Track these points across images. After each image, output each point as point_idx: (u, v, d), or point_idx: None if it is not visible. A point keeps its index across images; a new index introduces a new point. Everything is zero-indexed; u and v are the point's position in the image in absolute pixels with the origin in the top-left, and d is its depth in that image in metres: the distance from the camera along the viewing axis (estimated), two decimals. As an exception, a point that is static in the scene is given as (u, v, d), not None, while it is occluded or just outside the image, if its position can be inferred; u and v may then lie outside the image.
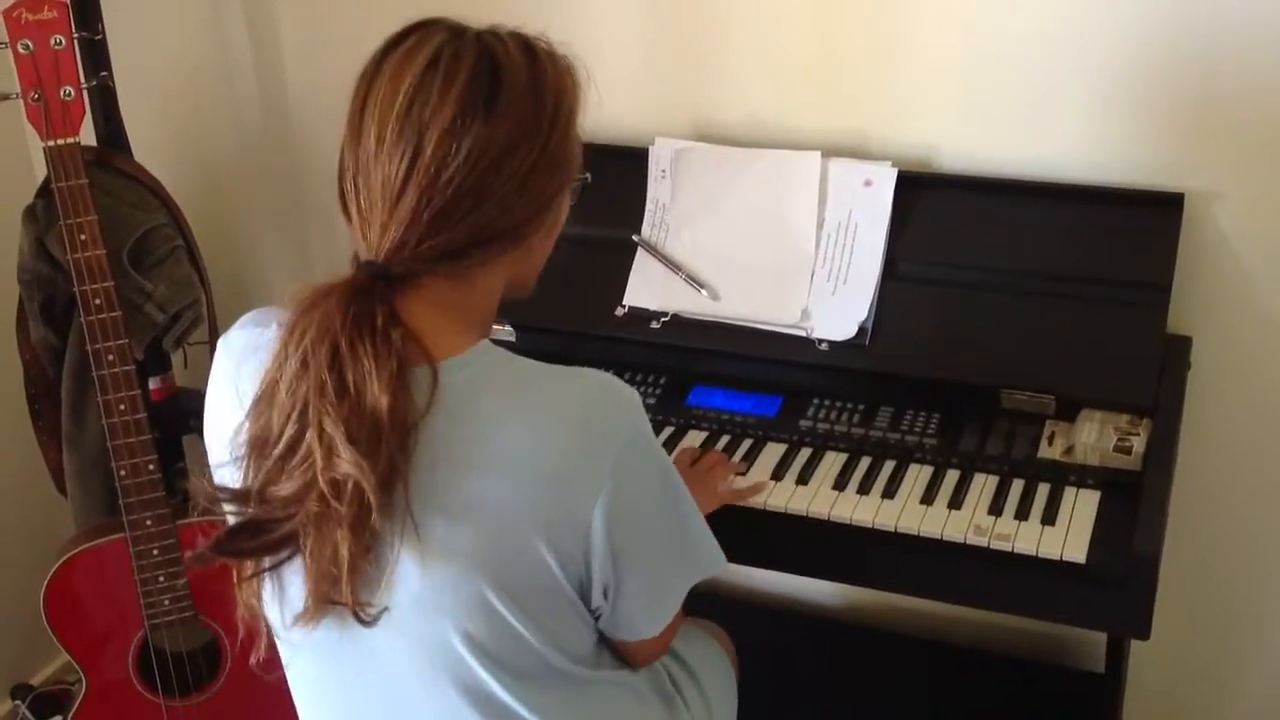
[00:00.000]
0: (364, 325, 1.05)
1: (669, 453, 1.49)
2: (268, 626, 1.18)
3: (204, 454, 1.23)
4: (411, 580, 1.09)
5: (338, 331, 1.04)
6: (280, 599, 1.15)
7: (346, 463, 1.02)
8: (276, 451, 1.05)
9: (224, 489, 1.09)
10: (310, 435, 1.04)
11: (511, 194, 1.10)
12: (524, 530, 1.09)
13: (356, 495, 1.03)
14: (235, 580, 1.13)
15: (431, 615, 1.11)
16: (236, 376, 1.13)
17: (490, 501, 1.08)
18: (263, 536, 1.07)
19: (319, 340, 1.04)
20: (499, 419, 1.09)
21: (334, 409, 1.03)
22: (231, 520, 1.11)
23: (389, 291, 1.08)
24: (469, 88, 1.08)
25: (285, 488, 1.05)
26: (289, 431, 1.04)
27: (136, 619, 1.91)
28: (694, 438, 1.69)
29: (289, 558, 1.09)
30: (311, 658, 1.21)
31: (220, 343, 1.21)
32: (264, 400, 1.06)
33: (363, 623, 1.09)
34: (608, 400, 1.13)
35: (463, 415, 1.08)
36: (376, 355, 1.04)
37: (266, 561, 1.10)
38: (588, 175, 1.22)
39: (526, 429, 1.09)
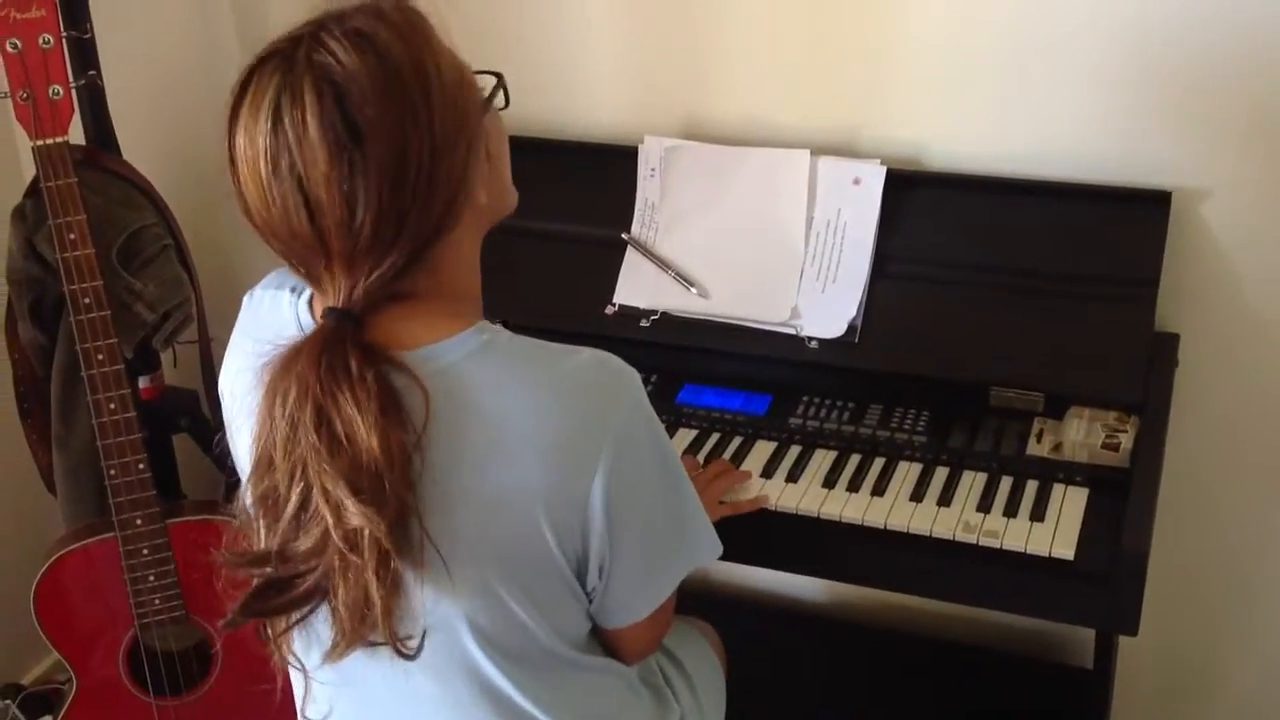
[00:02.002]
0: (338, 375, 1.03)
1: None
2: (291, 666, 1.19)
3: (217, 413, 1.27)
4: (430, 592, 1.10)
5: (315, 389, 1.02)
6: (312, 642, 1.15)
7: (355, 515, 1.01)
8: (289, 511, 1.05)
9: (243, 554, 1.08)
10: (315, 494, 1.03)
11: (427, 185, 1.05)
12: (525, 506, 1.09)
13: (373, 544, 1.03)
14: (270, 637, 1.13)
15: (442, 605, 1.12)
16: (247, 393, 1.11)
17: (492, 481, 1.08)
18: (289, 592, 1.07)
19: (301, 402, 1.03)
20: (498, 395, 1.09)
21: (330, 466, 1.02)
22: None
23: (360, 330, 1.06)
24: (325, 133, 1.01)
25: (304, 542, 1.05)
26: (296, 492, 1.04)
27: (127, 618, 1.91)
28: (684, 436, 1.69)
29: (317, 607, 1.09)
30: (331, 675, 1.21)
31: (246, 299, 1.24)
32: (263, 464, 1.06)
33: (405, 657, 1.09)
34: (607, 375, 1.13)
35: (460, 397, 1.07)
36: (358, 401, 1.02)
37: (296, 615, 1.10)
38: (501, 89, 1.17)
39: (526, 404, 1.09)
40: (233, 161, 1.07)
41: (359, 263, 1.05)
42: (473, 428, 1.08)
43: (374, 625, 1.07)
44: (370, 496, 1.02)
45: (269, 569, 1.07)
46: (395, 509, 1.03)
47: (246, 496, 1.08)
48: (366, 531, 1.02)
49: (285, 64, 1.05)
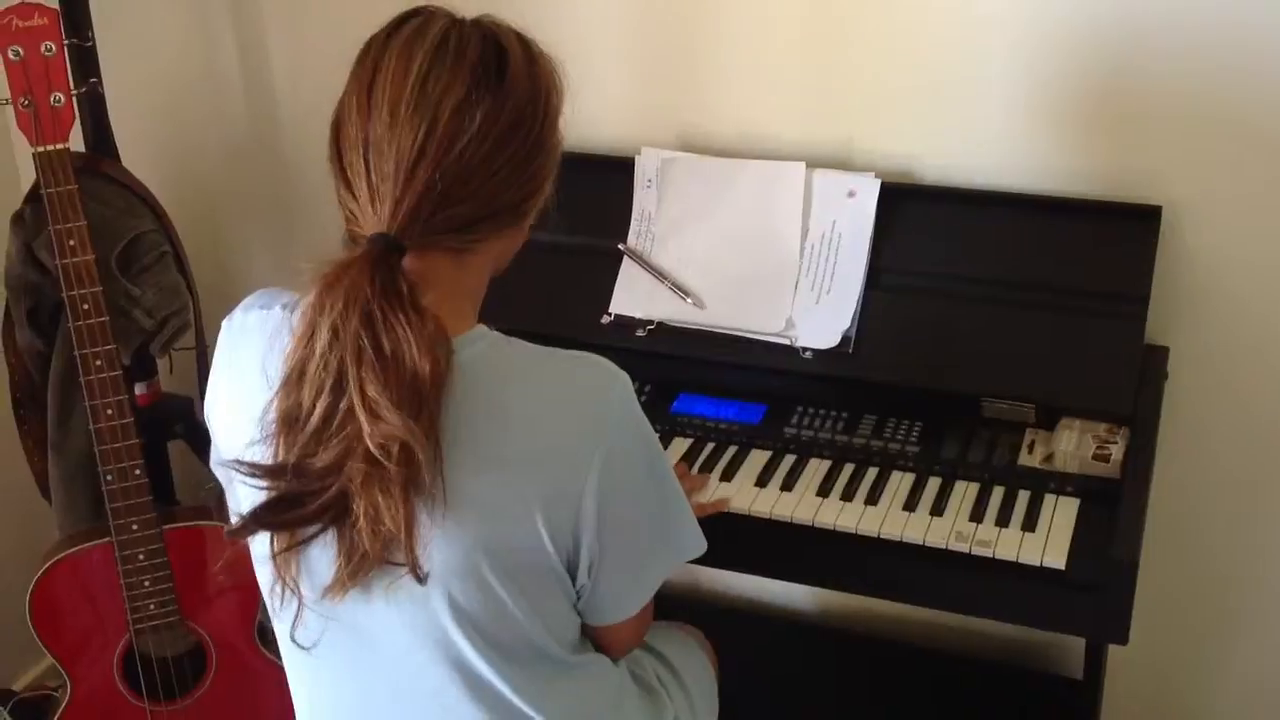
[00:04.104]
0: (391, 293, 1.06)
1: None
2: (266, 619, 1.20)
3: (205, 436, 1.26)
4: (429, 545, 1.11)
5: (369, 300, 1.05)
6: (306, 575, 1.16)
7: (394, 426, 1.03)
8: (311, 425, 1.06)
9: (256, 465, 1.10)
10: (347, 403, 1.05)
11: (515, 170, 1.13)
12: (522, 504, 1.12)
13: (405, 456, 1.05)
14: (271, 555, 1.14)
15: (429, 584, 1.12)
16: (263, 361, 1.13)
17: (491, 480, 1.11)
18: (299, 509, 1.09)
19: (349, 310, 1.05)
20: (500, 398, 1.12)
21: (375, 374, 1.04)
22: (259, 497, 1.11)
23: (401, 264, 1.10)
24: (478, 64, 1.11)
25: (322, 459, 1.06)
26: (322, 404, 1.06)
27: (121, 623, 1.91)
28: (679, 445, 1.70)
29: (323, 530, 1.10)
30: (312, 639, 1.21)
31: (225, 324, 1.24)
32: (293, 378, 1.07)
33: (418, 580, 1.10)
34: (600, 379, 1.17)
35: (467, 394, 1.10)
36: (410, 322, 1.05)
37: (301, 534, 1.11)
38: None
39: (523, 406, 1.12)
40: (372, 80, 1.12)
41: (431, 194, 1.09)
42: (479, 421, 1.10)
43: (390, 546, 1.08)
44: (410, 410, 1.04)
45: (282, 482, 1.09)
46: (427, 428, 1.05)
47: (269, 413, 1.09)
48: (399, 444, 1.04)
49: (454, 18, 1.16)
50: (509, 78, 1.12)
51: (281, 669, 1.31)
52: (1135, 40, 1.69)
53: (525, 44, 1.18)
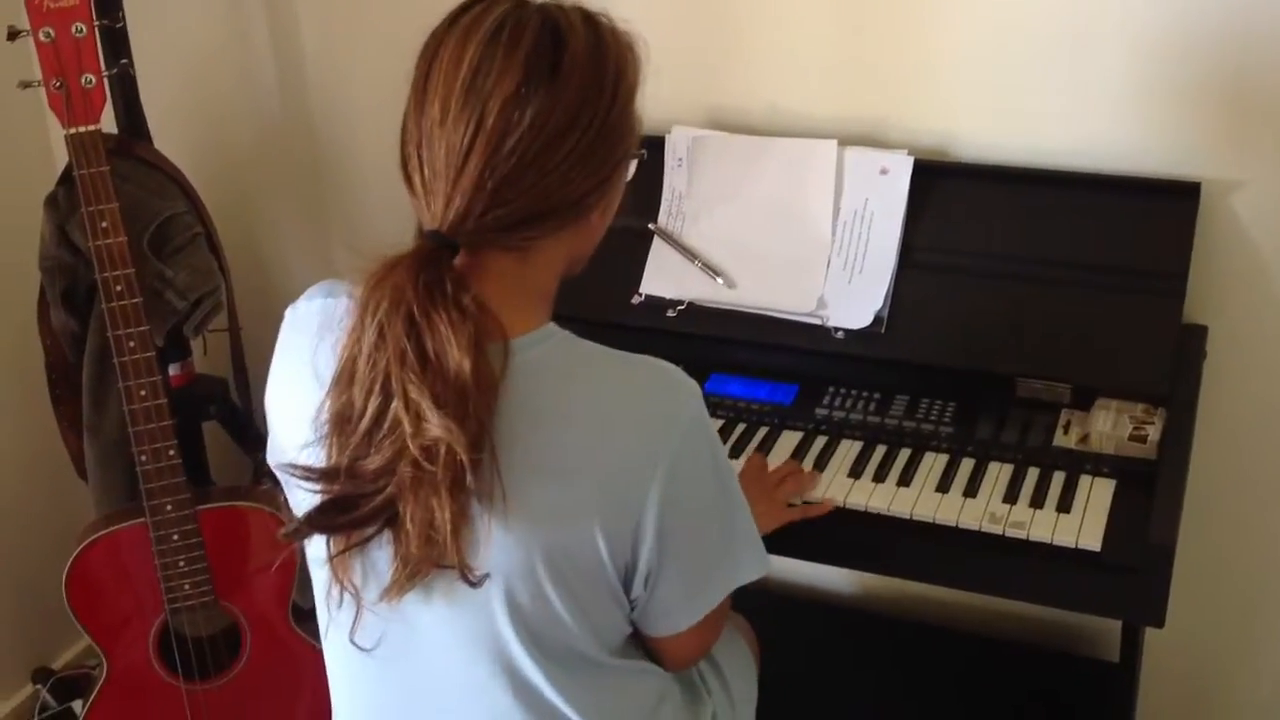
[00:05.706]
0: (435, 293, 1.04)
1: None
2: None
3: (264, 427, 1.26)
4: (488, 546, 1.10)
5: (410, 301, 1.03)
6: (370, 577, 1.15)
7: (436, 427, 1.02)
8: (362, 426, 1.05)
9: (310, 468, 1.09)
10: (395, 405, 1.04)
11: (574, 165, 1.09)
12: (581, 512, 1.10)
13: (450, 458, 1.03)
14: (329, 558, 1.13)
15: (489, 585, 1.11)
16: (313, 354, 1.13)
17: (553, 483, 1.10)
18: (354, 511, 1.08)
19: (393, 311, 1.03)
20: (564, 402, 1.10)
21: (417, 376, 1.03)
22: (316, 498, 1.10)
23: (453, 261, 1.08)
24: (532, 55, 1.07)
25: (374, 461, 1.05)
26: (372, 405, 1.05)
27: (157, 603, 1.93)
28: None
29: (379, 531, 1.10)
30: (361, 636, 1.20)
31: (288, 313, 1.22)
32: (344, 378, 1.06)
33: (471, 584, 1.09)
34: (669, 388, 1.14)
35: (530, 395, 1.08)
36: (451, 322, 1.04)
37: (358, 536, 1.10)
38: (644, 152, 1.21)
39: (588, 410, 1.11)
40: (428, 71, 1.10)
41: (481, 192, 1.07)
42: (540, 427, 1.09)
43: (440, 549, 1.07)
44: (453, 411, 1.03)
45: (336, 485, 1.08)
46: (475, 430, 1.04)
47: (322, 414, 1.08)
48: (444, 446, 1.03)
49: (517, 3, 1.12)
50: (565, 68, 1.08)
51: (315, 648, 1.31)
52: (1176, 17, 1.66)
53: (593, 25, 1.13)
